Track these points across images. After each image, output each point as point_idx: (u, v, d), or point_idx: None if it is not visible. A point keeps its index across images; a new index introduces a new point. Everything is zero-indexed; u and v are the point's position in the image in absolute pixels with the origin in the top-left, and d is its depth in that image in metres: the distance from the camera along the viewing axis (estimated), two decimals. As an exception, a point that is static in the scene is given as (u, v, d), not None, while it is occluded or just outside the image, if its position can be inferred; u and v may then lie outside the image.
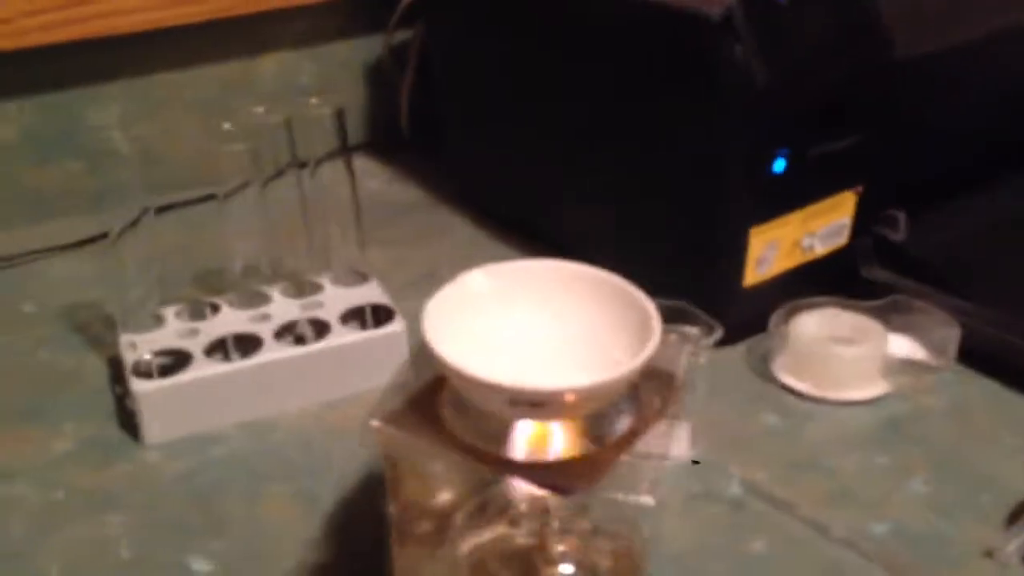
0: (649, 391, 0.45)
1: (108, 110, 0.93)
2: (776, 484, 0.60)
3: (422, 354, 0.44)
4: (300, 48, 1.00)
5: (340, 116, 0.70)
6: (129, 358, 0.64)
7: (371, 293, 0.72)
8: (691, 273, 0.69)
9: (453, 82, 0.91)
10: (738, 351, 0.72)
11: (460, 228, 0.91)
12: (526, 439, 0.44)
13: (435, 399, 0.44)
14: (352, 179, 0.72)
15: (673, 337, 0.47)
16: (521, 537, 0.47)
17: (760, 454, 0.63)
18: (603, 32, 0.71)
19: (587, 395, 0.40)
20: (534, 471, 0.41)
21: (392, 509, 0.45)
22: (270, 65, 0.99)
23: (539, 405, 0.40)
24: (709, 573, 0.54)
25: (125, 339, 0.66)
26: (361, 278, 0.74)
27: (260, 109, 0.68)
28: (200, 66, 0.96)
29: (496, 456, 0.41)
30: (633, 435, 0.42)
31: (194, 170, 0.94)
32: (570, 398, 0.40)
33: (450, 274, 0.48)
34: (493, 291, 0.46)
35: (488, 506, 0.47)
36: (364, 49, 1.03)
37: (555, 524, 0.45)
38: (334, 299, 0.71)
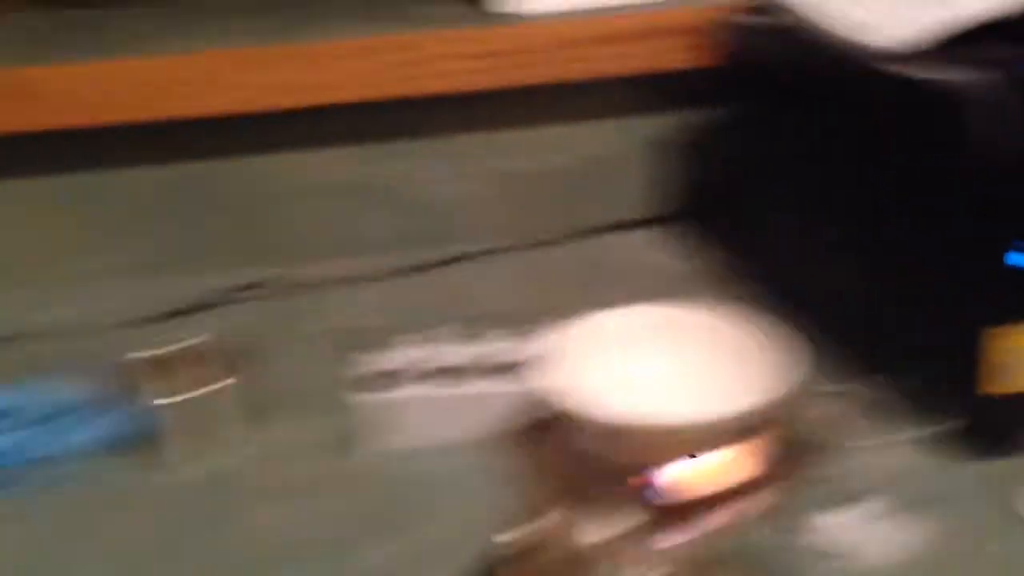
0: (781, 455, 0.42)
1: (427, 164, 1.02)
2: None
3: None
4: (607, 119, 1.04)
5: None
6: (365, 374, 0.70)
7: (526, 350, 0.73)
8: (931, 370, 0.63)
9: (740, 164, 0.91)
10: (983, 467, 0.64)
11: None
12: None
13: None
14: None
15: (822, 408, 0.44)
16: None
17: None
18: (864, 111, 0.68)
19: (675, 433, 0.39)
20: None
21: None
22: (579, 133, 1.04)
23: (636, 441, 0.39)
24: None
25: (370, 359, 0.73)
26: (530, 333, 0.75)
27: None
28: (512, 130, 1.03)
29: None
30: (737, 493, 0.40)
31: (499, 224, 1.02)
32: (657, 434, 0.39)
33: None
34: (625, 333, 0.46)
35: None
36: (670, 125, 1.05)
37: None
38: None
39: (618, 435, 0.41)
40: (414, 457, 0.68)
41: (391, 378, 0.70)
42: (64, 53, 0.95)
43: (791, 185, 0.80)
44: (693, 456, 0.42)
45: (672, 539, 0.44)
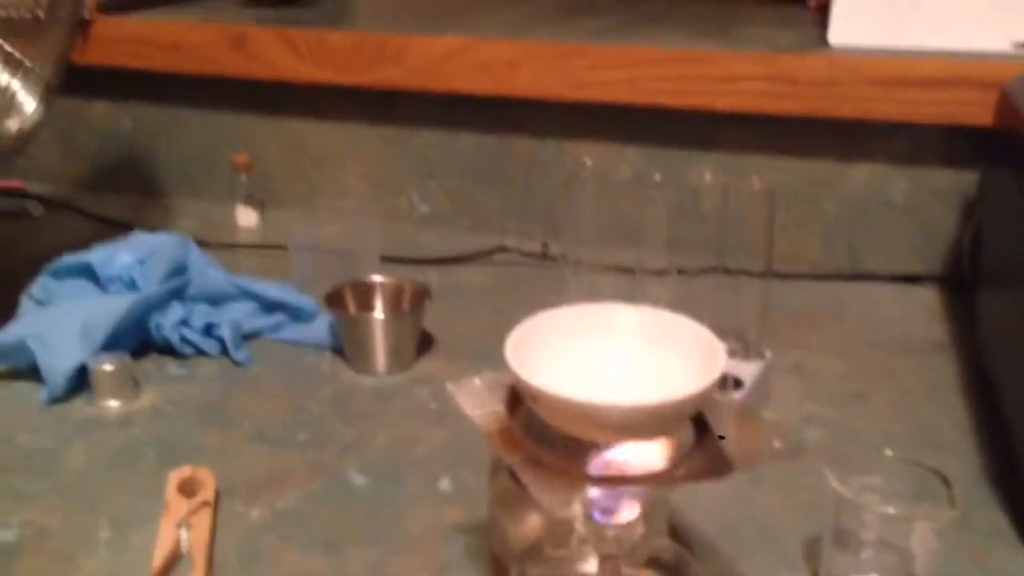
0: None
1: (700, 173, 1.07)
2: None
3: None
4: (896, 164, 1.01)
5: (770, 199, 0.73)
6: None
7: (747, 369, 0.75)
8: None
9: (990, 237, 0.85)
10: None
11: (940, 376, 0.84)
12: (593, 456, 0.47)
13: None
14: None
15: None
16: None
17: None
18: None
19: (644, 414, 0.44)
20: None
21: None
22: (861, 173, 1.02)
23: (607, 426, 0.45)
24: None
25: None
26: (757, 356, 0.77)
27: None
28: (792, 157, 1.04)
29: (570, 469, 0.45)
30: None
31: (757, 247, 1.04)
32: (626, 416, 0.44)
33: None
34: (582, 326, 0.50)
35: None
36: (964, 180, 0.99)
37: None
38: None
39: (568, 411, 0.46)
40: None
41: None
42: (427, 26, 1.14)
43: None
44: (631, 436, 0.46)
45: (615, 515, 0.48)
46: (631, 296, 0.88)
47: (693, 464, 0.46)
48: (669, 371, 0.49)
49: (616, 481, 0.46)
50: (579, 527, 0.50)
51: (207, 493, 0.65)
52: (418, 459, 0.71)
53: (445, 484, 0.68)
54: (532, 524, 0.55)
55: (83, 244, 0.89)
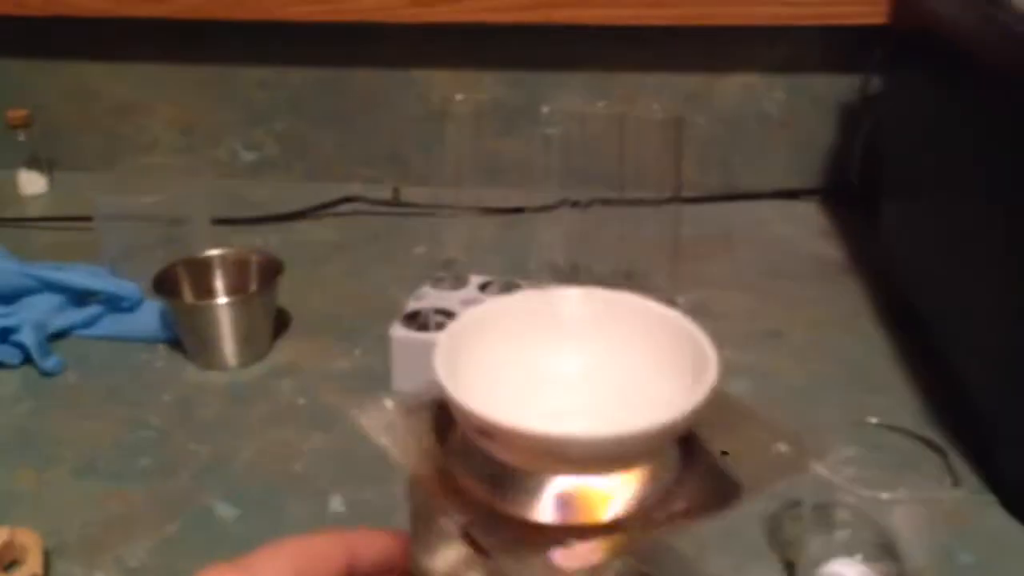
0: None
1: (567, 96, 0.96)
2: None
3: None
4: (770, 73, 0.94)
5: (676, 127, 0.64)
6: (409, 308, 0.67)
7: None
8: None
9: (896, 145, 0.78)
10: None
11: (850, 302, 0.78)
12: (558, 499, 0.36)
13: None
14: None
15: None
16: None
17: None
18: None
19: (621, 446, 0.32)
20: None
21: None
22: (735, 85, 0.94)
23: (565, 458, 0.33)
24: None
25: (420, 292, 0.69)
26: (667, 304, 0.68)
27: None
28: (662, 72, 0.95)
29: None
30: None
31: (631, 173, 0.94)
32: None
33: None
34: (524, 322, 0.39)
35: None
36: (843, 87, 0.93)
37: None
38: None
39: (532, 447, 0.35)
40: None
41: (414, 319, 0.66)
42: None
43: (943, 167, 0.68)
44: (608, 468, 0.36)
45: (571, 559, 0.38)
46: (521, 236, 0.79)
47: (690, 494, 0.36)
48: (639, 372, 0.38)
49: (599, 532, 0.35)
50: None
51: (33, 563, 0.50)
52: (297, 475, 0.59)
53: (336, 504, 0.56)
54: (451, 556, 0.45)
55: None
